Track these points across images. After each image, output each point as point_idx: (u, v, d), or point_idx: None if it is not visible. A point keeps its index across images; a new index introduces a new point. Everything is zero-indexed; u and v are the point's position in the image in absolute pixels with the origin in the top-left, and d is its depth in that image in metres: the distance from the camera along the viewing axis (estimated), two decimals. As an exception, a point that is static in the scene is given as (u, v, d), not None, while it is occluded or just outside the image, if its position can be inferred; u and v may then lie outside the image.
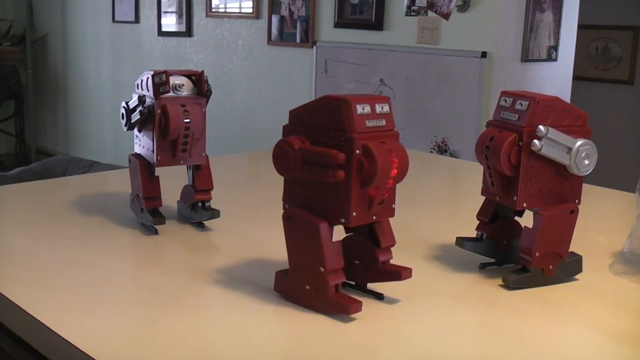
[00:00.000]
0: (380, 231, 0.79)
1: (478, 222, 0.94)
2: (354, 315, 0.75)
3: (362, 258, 0.81)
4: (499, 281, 0.88)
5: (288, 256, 0.78)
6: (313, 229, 0.74)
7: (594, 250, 1.02)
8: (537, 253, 0.85)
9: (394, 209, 0.79)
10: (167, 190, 1.08)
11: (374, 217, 0.77)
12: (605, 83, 4.68)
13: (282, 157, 0.76)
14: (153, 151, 1.03)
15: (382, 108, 0.76)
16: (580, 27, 3.64)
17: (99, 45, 5.37)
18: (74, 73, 5.68)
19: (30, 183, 1.45)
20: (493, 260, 0.94)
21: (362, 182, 0.73)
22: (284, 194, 0.79)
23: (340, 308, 0.74)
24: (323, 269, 0.74)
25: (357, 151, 0.72)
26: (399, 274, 0.79)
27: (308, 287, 0.76)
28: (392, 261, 0.81)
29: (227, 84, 4.41)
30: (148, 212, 1.04)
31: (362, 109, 0.74)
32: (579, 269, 0.91)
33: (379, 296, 0.82)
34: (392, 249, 0.81)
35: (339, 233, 0.78)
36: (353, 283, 0.83)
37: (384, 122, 0.76)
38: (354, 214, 0.74)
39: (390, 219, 0.80)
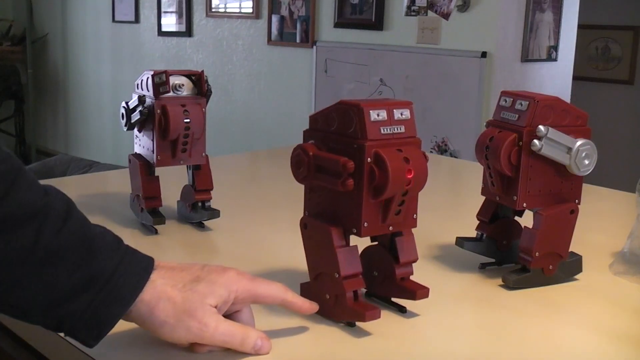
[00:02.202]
0: (401, 246, 0.76)
1: (478, 222, 0.94)
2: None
3: (381, 270, 0.79)
4: (499, 281, 0.88)
5: (307, 264, 0.77)
6: (325, 235, 0.73)
7: (594, 250, 1.02)
8: (537, 253, 0.85)
9: (415, 219, 0.76)
10: (167, 190, 1.08)
11: (391, 228, 0.74)
12: (605, 83, 4.68)
13: (297, 164, 0.74)
14: (153, 151, 1.03)
15: (401, 114, 0.73)
16: (580, 27, 3.64)
17: (99, 45, 5.37)
18: (74, 73, 5.69)
19: (30, 183, 1.44)
20: (493, 260, 0.94)
21: (374, 192, 0.71)
22: (305, 201, 0.78)
23: (356, 315, 0.72)
24: (338, 275, 0.72)
25: (369, 159, 0.70)
26: (414, 292, 0.76)
27: (328, 297, 0.74)
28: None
29: (227, 84, 4.41)
30: (148, 212, 1.04)
31: (376, 115, 0.71)
32: (579, 269, 0.91)
33: (401, 309, 0.79)
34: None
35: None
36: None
37: (402, 129, 0.73)
38: (366, 224, 0.71)
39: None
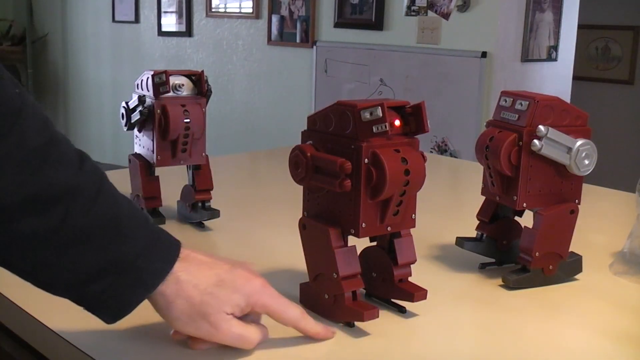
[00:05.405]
0: (400, 247, 0.76)
1: (478, 222, 0.94)
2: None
3: (379, 271, 0.78)
4: (499, 281, 0.88)
5: (306, 265, 0.77)
6: (324, 236, 0.73)
7: (594, 250, 1.02)
8: (537, 253, 0.85)
9: (414, 220, 0.76)
10: (167, 190, 1.08)
11: (389, 229, 0.74)
12: (605, 83, 4.68)
13: (295, 165, 0.74)
14: (153, 151, 1.03)
15: None
16: (580, 27, 3.64)
17: (99, 45, 5.37)
18: (74, 73, 5.68)
19: (30, 183, 1.44)
20: (493, 260, 0.94)
21: (371, 193, 0.71)
22: (304, 201, 0.78)
23: (354, 315, 0.72)
24: (336, 275, 0.72)
25: (366, 160, 0.70)
26: (412, 295, 0.76)
27: (326, 297, 0.74)
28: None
29: (227, 84, 4.41)
30: (148, 212, 1.04)
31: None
32: (579, 269, 0.91)
33: (401, 309, 0.79)
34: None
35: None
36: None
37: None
38: (364, 225, 0.71)
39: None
